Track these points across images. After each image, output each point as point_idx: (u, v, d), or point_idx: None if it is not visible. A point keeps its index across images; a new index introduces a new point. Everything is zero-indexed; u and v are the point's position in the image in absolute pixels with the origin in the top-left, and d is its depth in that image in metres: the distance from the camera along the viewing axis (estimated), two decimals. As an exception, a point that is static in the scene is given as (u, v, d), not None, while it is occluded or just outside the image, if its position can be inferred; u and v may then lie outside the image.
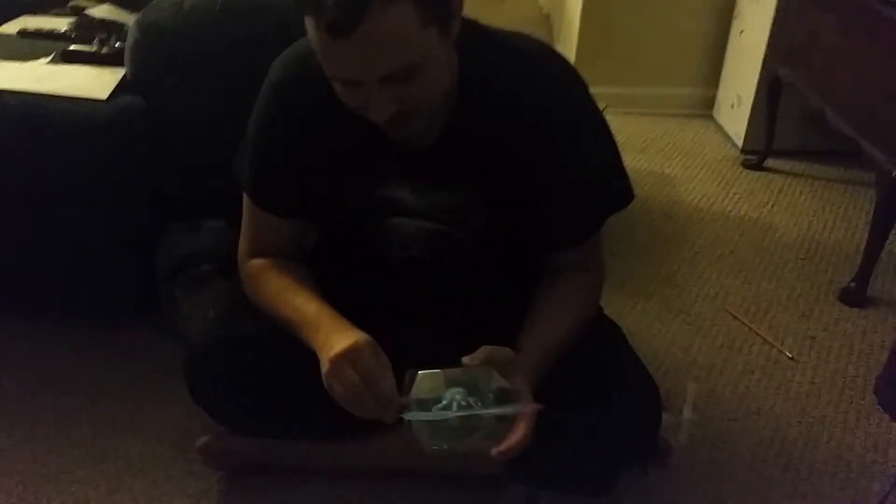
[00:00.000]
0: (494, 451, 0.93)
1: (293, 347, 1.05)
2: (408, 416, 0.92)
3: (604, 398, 1.09)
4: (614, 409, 1.10)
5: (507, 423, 0.94)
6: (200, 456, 1.31)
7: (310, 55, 1.04)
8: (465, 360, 0.94)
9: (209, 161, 1.41)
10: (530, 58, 1.06)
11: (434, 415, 0.91)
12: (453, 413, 0.91)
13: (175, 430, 1.40)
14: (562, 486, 1.21)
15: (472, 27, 1.02)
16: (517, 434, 0.93)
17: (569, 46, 2.95)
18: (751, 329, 1.76)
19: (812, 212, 2.28)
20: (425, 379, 0.94)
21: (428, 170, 1.07)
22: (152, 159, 1.54)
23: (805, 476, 1.38)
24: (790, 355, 1.68)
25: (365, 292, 1.21)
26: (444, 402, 0.92)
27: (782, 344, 1.71)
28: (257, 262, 1.14)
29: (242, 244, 1.17)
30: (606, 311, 1.25)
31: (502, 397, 0.94)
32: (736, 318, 1.80)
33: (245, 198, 1.15)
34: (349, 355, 0.94)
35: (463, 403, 0.92)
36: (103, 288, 1.62)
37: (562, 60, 1.09)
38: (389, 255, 1.14)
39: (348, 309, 1.18)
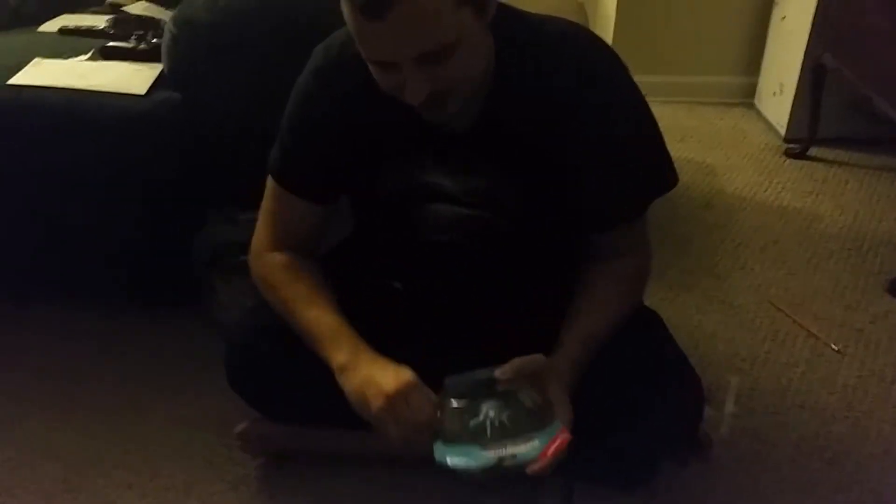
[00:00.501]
0: (529, 469, 0.93)
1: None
2: (438, 453, 0.93)
3: (645, 390, 1.08)
4: (656, 401, 1.08)
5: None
6: (239, 442, 1.32)
7: (350, 42, 1.04)
8: (497, 374, 0.95)
9: (246, 153, 1.42)
10: (566, 41, 1.04)
11: (466, 460, 0.92)
12: (483, 463, 0.91)
13: (214, 418, 1.42)
14: (601, 477, 1.20)
15: (509, 12, 1.02)
16: (552, 452, 0.93)
17: (605, 35, 2.91)
18: (795, 321, 1.71)
19: (858, 201, 2.21)
20: (459, 385, 0.96)
21: (465, 154, 1.07)
22: (189, 152, 1.55)
23: (851, 471, 1.34)
24: (836, 348, 1.63)
25: (402, 280, 1.21)
26: (479, 419, 0.94)
27: (828, 336, 1.67)
28: (276, 258, 1.13)
29: (261, 234, 1.16)
30: (647, 302, 1.22)
31: (537, 412, 0.95)
32: (780, 309, 1.75)
33: (270, 184, 1.14)
34: (404, 393, 0.95)
35: (496, 424, 0.93)
36: (139, 278, 1.65)
37: (599, 42, 1.07)
38: (426, 241, 1.14)
39: (383, 297, 1.19)
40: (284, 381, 1.16)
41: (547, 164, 1.06)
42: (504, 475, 0.94)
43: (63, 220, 1.59)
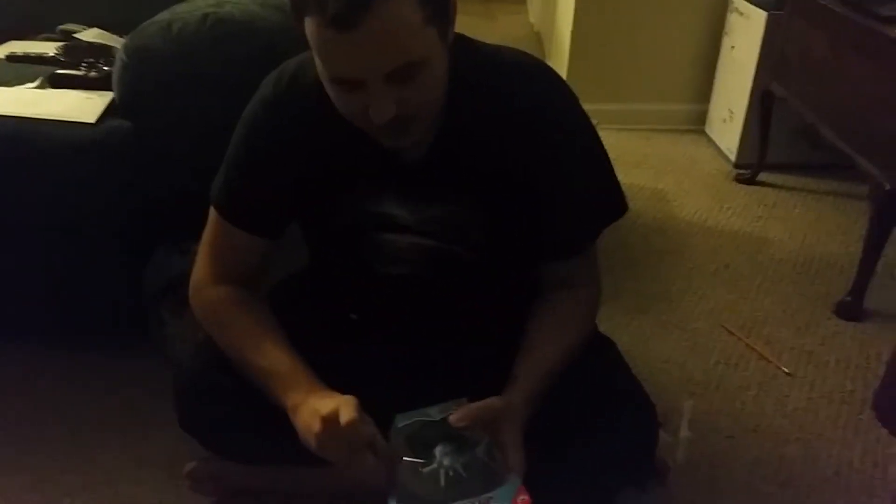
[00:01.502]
0: None
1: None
2: None
3: (599, 417, 1.08)
4: (610, 429, 1.08)
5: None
6: (188, 482, 1.29)
7: (300, 74, 1.04)
8: (452, 421, 0.93)
9: (197, 183, 1.40)
10: (519, 69, 1.06)
11: None
12: None
13: (163, 456, 1.38)
14: (557, 506, 1.19)
15: (462, 40, 1.03)
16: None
17: (560, 64, 2.96)
18: (747, 344, 1.74)
19: (806, 225, 2.27)
20: (410, 423, 0.94)
21: (420, 183, 1.07)
22: (140, 182, 1.53)
23: (805, 493, 1.36)
24: (787, 371, 1.66)
25: (359, 311, 1.20)
26: (433, 467, 0.92)
27: (779, 359, 1.70)
28: (218, 293, 1.11)
29: (202, 267, 1.13)
30: (601, 328, 1.23)
31: (490, 460, 0.94)
32: (732, 333, 1.78)
33: (212, 215, 1.13)
34: (337, 412, 0.93)
35: (450, 473, 0.91)
36: (88, 311, 1.61)
37: (551, 72, 1.09)
38: (383, 273, 1.13)
39: (339, 328, 1.18)
40: (235, 418, 1.13)
41: (502, 191, 1.06)
42: None
43: (8, 250, 1.55)
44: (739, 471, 1.40)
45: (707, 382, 1.62)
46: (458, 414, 0.94)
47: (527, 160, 1.04)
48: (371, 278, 1.14)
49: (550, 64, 2.90)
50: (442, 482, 0.91)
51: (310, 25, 0.87)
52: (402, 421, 0.96)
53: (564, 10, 2.99)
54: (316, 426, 0.93)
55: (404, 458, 0.93)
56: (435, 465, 0.91)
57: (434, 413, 0.96)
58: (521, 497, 0.91)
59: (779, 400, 1.58)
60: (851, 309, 1.85)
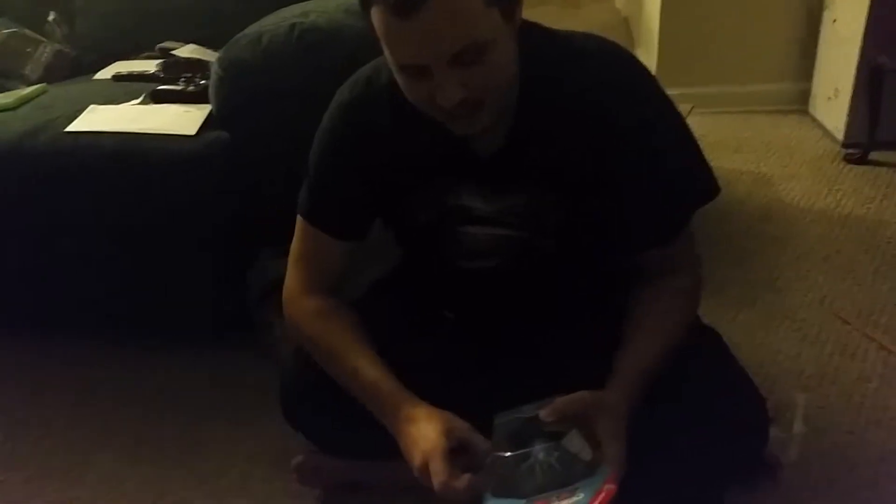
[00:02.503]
0: None
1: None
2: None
3: (706, 412, 1.04)
4: (717, 424, 1.04)
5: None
6: (295, 475, 1.33)
7: (374, 77, 1.06)
8: (541, 416, 0.93)
9: (295, 189, 1.44)
10: (593, 54, 1.03)
11: None
12: None
13: (272, 450, 1.42)
14: (662, 504, 1.16)
15: (536, 28, 1.02)
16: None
17: (650, 48, 2.88)
18: (864, 334, 1.64)
19: (925, 205, 2.13)
20: (509, 424, 0.95)
21: (497, 174, 1.06)
22: (239, 188, 1.58)
23: (938, 492, 1.27)
24: (911, 361, 1.56)
25: (450, 308, 1.20)
26: (529, 463, 0.92)
27: (901, 349, 1.59)
28: (309, 305, 1.13)
29: (292, 278, 1.15)
30: (705, 321, 1.19)
31: (584, 455, 0.93)
32: (847, 322, 1.68)
33: (299, 225, 1.15)
34: (427, 466, 0.95)
35: (545, 467, 0.91)
36: (195, 312, 1.68)
37: (625, 54, 1.06)
38: (466, 268, 1.13)
39: (436, 327, 1.18)
40: (338, 414, 1.15)
41: (580, 179, 1.04)
42: None
43: (118, 256, 1.64)
44: (862, 468, 1.32)
45: (821, 375, 1.54)
46: (547, 409, 0.93)
47: (604, 147, 1.02)
48: (455, 273, 1.14)
49: (640, 49, 2.82)
50: (538, 476, 0.91)
51: (375, 16, 0.89)
52: (501, 420, 0.97)
53: (653, -6, 2.90)
54: (413, 470, 0.97)
55: (502, 455, 0.93)
56: (531, 461, 0.91)
57: (530, 410, 0.96)
58: (607, 486, 0.89)
59: (903, 392, 1.48)
60: (982, 293, 1.71)
